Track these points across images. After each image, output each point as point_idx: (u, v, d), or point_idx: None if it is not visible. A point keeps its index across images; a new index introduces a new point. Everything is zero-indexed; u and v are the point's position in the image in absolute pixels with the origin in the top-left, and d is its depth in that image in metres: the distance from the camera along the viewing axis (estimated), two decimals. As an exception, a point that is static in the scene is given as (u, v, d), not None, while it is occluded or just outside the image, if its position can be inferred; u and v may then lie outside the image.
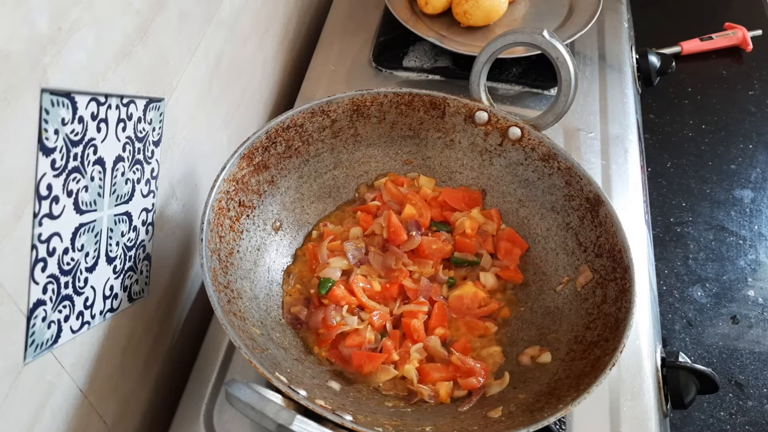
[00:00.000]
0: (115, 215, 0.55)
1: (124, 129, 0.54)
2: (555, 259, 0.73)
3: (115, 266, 0.57)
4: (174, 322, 0.74)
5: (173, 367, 0.75)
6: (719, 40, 1.25)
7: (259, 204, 0.72)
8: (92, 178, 0.51)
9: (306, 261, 0.74)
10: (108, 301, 0.57)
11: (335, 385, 0.64)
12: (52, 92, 0.44)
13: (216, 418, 0.67)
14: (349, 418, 0.53)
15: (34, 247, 0.45)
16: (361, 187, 0.80)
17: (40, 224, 0.45)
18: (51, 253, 0.47)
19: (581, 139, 0.93)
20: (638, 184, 0.90)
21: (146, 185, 0.60)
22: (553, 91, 0.97)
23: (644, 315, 0.77)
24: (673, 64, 1.13)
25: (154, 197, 0.62)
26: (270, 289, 0.70)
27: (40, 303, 0.46)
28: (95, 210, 0.52)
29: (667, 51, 1.21)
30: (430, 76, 1.00)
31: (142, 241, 0.62)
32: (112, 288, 0.57)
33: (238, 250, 0.68)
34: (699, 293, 0.95)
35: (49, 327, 0.48)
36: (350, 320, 0.68)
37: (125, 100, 0.54)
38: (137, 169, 0.58)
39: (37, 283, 0.46)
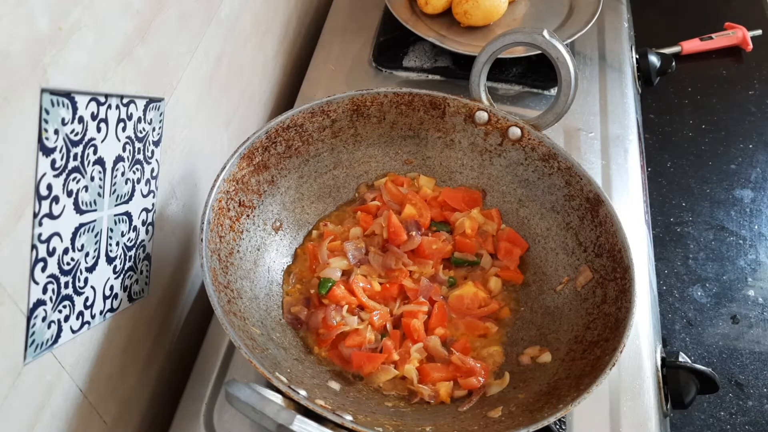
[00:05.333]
0: (115, 215, 0.55)
1: (124, 129, 0.54)
2: (555, 259, 0.73)
3: (115, 266, 0.57)
4: (174, 322, 0.74)
5: (173, 367, 0.75)
6: (719, 40, 1.25)
7: (259, 204, 0.72)
8: (92, 178, 0.51)
9: (306, 261, 0.74)
10: (108, 301, 0.57)
11: (335, 385, 0.64)
12: (52, 92, 0.44)
13: (216, 418, 0.67)
14: (349, 418, 0.53)
15: (34, 247, 0.45)
16: (361, 187, 0.80)
17: (40, 224, 0.45)
18: (51, 253, 0.47)
19: (581, 139, 0.93)
20: (638, 184, 0.90)
21: (146, 185, 0.60)
22: (553, 91, 0.97)
23: (644, 315, 0.77)
24: (673, 64, 1.13)
25: (154, 197, 0.62)
26: (270, 289, 0.70)
27: (40, 303, 0.47)
28: (95, 210, 0.52)
29: (667, 51, 1.21)
30: (430, 76, 1.00)
31: (142, 241, 0.62)
32: (112, 288, 0.57)
33: (238, 250, 0.68)
34: (699, 293, 0.95)
35: (49, 327, 0.48)
36: (350, 320, 0.68)
37: (125, 100, 0.54)
38: (137, 169, 0.58)
39: (37, 283, 0.46)
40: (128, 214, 0.58)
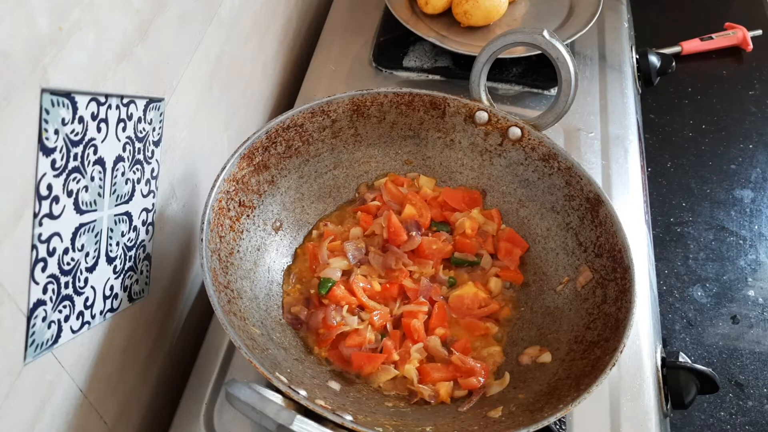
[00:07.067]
0: (115, 215, 0.55)
1: (124, 129, 0.54)
2: (555, 259, 0.73)
3: (115, 266, 0.57)
4: (174, 322, 0.74)
5: (173, 367, 0.75)
6: (719, 40, 1.25)
7: (259, 204, 0.72)
8: (92, 178, 0.51)
9: (306, 261, 0.74)
10: (108, 301, 0.57)
11: (335, 385, 0.64)
12: (53, 92, 0.44)
13: (216, 418, 0.67)
14: (349, 418, 0.53)
15: (34, 247, 0.45)
16: (361, 187, 0.80)
17: (40, 224, 0.45)
18: (51, 253, 0.47)
19: (581, 139, 0.93)
20: (638, 184, 0.90)
21: (146, 185, 0.60)
22: (553, 91, 0.97)
23: (644, 315, 0.77)
24: (673, 64, 1.13)
25: (154, 197, 0.62)
26: (270, 289, 0.70)
27: (40, 303, 0.47)
28: (95, 210, 0.52)
29: (667, 51, 1.21)
30: (430, 76, 1.00)
31: (142, 241, 0.62)
32: (112, 288, 0.57)
33: (238, 250, 0.68)
34: (699, 293, 0.95)
35: (49, 327, 0.48)
36: (350, 320, 0.68)
37: (125, 100, 0.54)
38: (137, 169, 0.58)
39: (37, 283, 0.46)
40: (128, 214, 0.58)
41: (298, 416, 0.48)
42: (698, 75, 1.23)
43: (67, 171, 0.47)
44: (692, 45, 1.24)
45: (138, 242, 0.61)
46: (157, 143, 0.61)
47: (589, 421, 0.68)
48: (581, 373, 0.60)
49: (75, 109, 0.47)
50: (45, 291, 0.47)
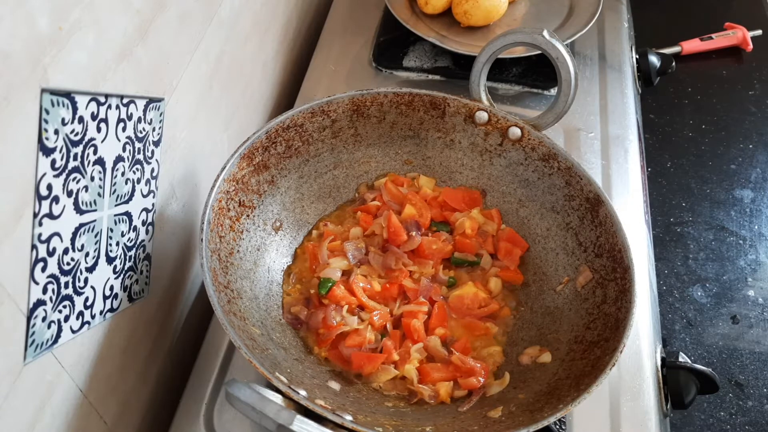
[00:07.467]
0: (115, 215, 0.55)
1: (124, 129, 0.54)
2: (555, 259, 0.73)
3: (115, 266, 0.57)
4: (174, 322, 0.74)
5: (173, 367, 0.75)
6: (719, 40, 1.25)
7: (259, 204, 0.72)
8: (92, 178, 0.51)
9: (306, 261, 0.74)
10: (108, 301, 0.57)
11: (335, 385, 0.64)
12: (52, 92, 0.44)
13: (216, 418, 0.67)
14: (349, 418, 0.53)
15: (34, 247, 0.45)
16: (361, 187, 0.80)
17: (40, 224, 0.45)
18: (51, 253, 0.47)
19: (581, 139, 0.93)
20: (638, 184, 0.90)
21: (146, 185, 0.60)
22: (553, 91, 0.97)
23: (644, 315, 0.77)
24: (673, 64, 1.13)
25: (154, 197, 0.62)
26: (270, 289, 0.70)
27: (40, 303, 0.47)
28: (95, 210, 0.52)
29: (667, 51, 1.21)
30: (430, 76, 1.00)
31: (142, 241, 0.62)
32: (112, 288, 0.57)
33: (238, 250, 0.68)
34: (699, 293, 0.95)
35: (49, 327, 0.48)
36: (350, 320, 0.68)
37: (125, 100, 0.54)
38: (137, 169, 0.58)
39: (37, 283, 0.46)
40: (128, 214, 0.58)
41: (298, 416, 0.48)
42: (698, 75, 1.23)
43: (67, 171, 0.47)
44: (692, 45, 1.24)
45: (138, 242, 0.61)
46: (157, 143, 0.61)
47: (589, 421, 0.68)
48: (581, 373, 0.60)
49: (75, 109, 0.47)
50: (45, 291, 0.47)
